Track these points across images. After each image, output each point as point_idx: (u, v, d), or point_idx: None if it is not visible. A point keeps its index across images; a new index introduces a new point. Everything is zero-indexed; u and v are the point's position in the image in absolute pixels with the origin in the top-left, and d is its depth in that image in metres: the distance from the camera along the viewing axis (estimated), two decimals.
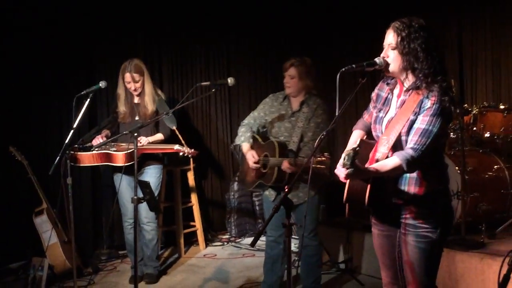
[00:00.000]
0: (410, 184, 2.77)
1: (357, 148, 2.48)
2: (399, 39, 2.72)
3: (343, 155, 2.48)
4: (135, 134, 4.01)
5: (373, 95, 3.04)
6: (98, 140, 5.04)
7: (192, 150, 4.86)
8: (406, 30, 2.71)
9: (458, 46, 6.60)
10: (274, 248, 4.63)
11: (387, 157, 2.70)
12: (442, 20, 6.66)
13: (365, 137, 3.09)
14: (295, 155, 4.37)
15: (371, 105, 3.07)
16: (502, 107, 5.27)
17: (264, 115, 4.64)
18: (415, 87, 2.73)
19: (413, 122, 2.70)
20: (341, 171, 2.60)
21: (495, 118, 5.24)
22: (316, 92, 4.55)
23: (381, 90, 2.99)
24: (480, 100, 6.29)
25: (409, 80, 2.79)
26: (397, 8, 6.61)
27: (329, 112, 4.49)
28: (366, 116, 3.15)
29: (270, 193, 4.59)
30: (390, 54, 2.76)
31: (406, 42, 2.70)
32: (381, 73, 2.88)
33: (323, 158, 3.86)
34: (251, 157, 4.53)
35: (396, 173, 2.69)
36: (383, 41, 2.83)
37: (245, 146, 4.61)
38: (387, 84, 2.94)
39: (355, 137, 3.11)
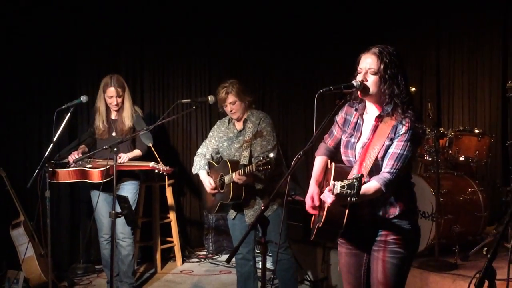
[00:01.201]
0: (384, 204, 2.86)
1: (362, 176, 2.53)
2: (382, 66, 2.78)
3: (338, 184, 2.53)
4: (115, 149, 4.03)
5: (339, 119, 3.09)
6: (74, 156, 4.96)
7: (168, 167, 4.88)
8: (388, 57, 2.78)
9: (436, 71, 6.74)
10: (244, 266, 4.66)
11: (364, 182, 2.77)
12: (421, 45, 6.80)
13: (329, 162, 3.13)
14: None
15: (336, 129, 3.12)
16: (477, 131, 5.40)
17: (215, 141, 4.73)
18: (390, 113, 2.81)
19: (388, 147, 2.78)
20: (329, 197, 2.64)
21: (470, 142, 5.36)
22: (248, 104, 4.59)
23: (348, 114, 3.04)
24: (456, 123, 6.44)
25: (384, 105, 2.85)
26: (378, 31, 6.73)
27: (272, 123, 4.58)
28: (329, 141, 3.19)
29: (231, 212, 4.64)
30: (370, 79, 2.82)
31: (389, 69, 2.78)
32: (347, 96, 2.91)
33: (265, 159, 3.94)
34: (208, 183, 4.61)
35: (376, 195, 2.77)
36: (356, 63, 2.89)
37: (202, 174, 4.68)
38: (356, 109, 2.99)
39: (320, 164, 3.17)
